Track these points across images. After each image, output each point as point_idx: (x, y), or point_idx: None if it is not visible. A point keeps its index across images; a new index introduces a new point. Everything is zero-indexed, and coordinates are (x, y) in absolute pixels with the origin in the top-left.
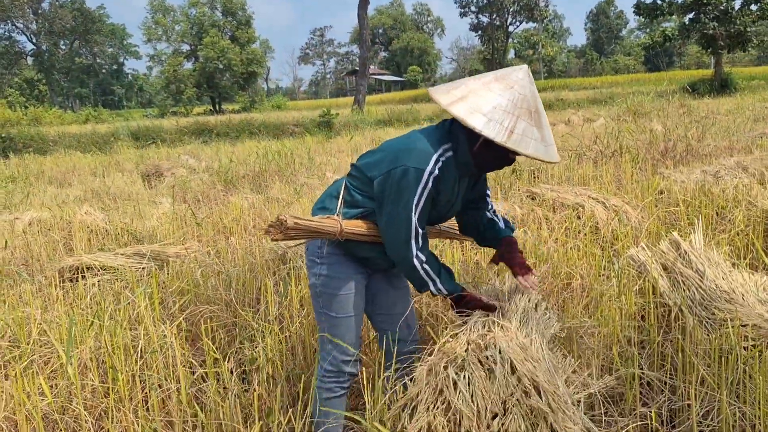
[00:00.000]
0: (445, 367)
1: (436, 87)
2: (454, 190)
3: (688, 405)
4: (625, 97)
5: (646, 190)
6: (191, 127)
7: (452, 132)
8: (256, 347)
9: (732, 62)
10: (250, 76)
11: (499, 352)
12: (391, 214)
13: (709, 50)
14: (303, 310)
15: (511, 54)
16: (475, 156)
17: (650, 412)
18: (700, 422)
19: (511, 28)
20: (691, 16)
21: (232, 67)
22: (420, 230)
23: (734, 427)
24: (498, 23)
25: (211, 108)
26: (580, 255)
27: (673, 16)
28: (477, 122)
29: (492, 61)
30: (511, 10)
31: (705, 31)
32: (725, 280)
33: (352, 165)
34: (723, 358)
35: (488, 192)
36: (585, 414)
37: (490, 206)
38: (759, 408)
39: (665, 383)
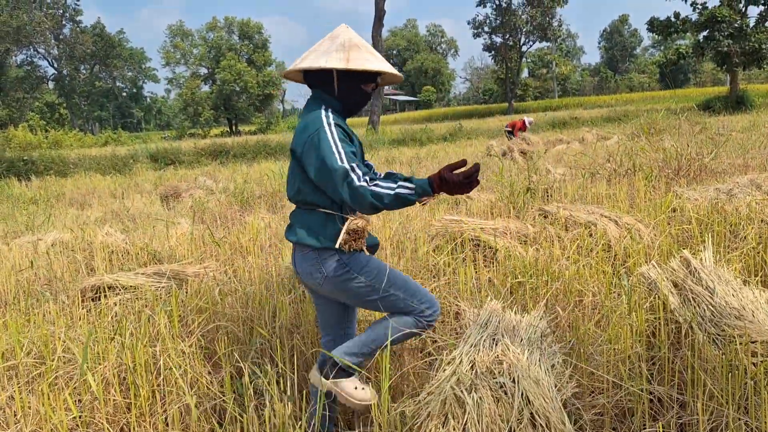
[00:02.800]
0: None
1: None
2: (355, 139)
3: (697, 420)
4: (639, 115)
5: (658, 208)
6: (208, 149)
7: (317, 98)
8: (269, 362)
9: (748, 79)
10: (266, 98)
11: (513, 381)
12: (326, 169)
13: (724, 67)
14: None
15: (525, 73)
16: (341, 99)
17: (659, 427)
18: None
19: (524, 48)
20: (705, 33)
21: (248, 89)
22: (358, 169)
23: None
24: (511, 43)
25: (228, 129)
26: (591, 272)
27: (687, 34)
28: (321, 62)
29: (506, 80)
30: (524, 30)
31: (719, 49)
32: (735, 297)
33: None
34: (730, 374)
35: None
36: (594, 430)
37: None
38: (765, 423)
39: (675, 399)
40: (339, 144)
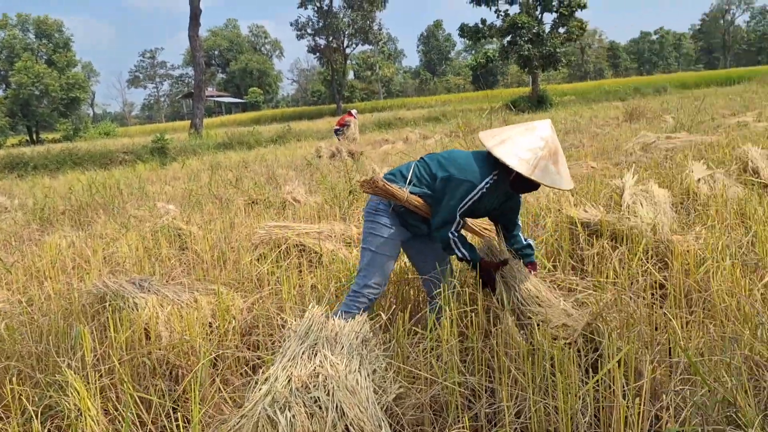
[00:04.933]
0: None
1: (485, 132)
2: (492, 203)
3: (504, 407)
4: (456, 115)
5: None
6: (3, 161)
7: (498, 163)
8: (69, 401)
9: (548, 80)
10: (71, 102)
11: (328, 394)
12: (445, 205)
13: (525, 69)
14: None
15: (350, 75)
16: (512, 184)
17: (465, 419)
18: (515, 421)
19: (348, 50)
20: (508, 38)
21: (50, 93)
22: (460, 221)
23: (544, 421)
24: (335, 45)
25: (28, 138)
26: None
27: (494, 39)
28: (512, 162)
29: (332, 81)
30: (347, 32)
31: (521, 53)
32: (533, 286)
33: (422, 158)
34: (532, 358)
35: (519, 219)
36: (414, 428)
37: (519, 228)
38: (563, 402)
39: (485, 388)
40: (469, 203)
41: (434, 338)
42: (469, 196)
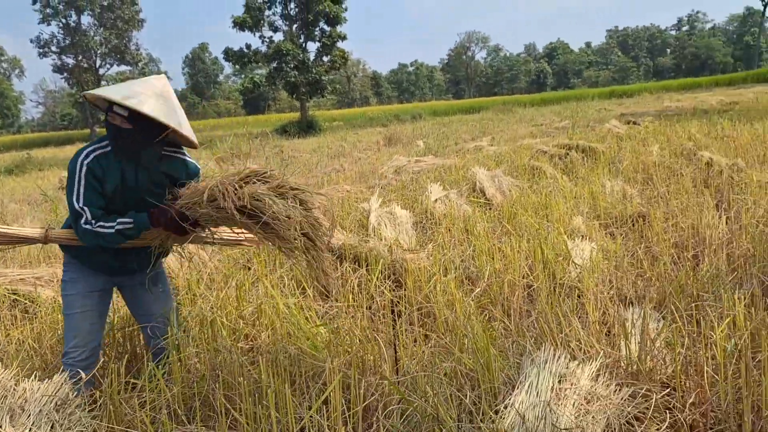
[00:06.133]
0: None
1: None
2: (125, 178)
3: None
4: (224, 140)
5: None
6: None
7: (110, 130)
8: None
9: (318, 106)
10: None
11: None
12: (68, 204)
13: (294, 96)
14: None
15: None
16: (116, 139)
17: None
18: None
19: (102, 71)
20: (275, 64)
21: None
22: (89, 211)
23: None
24: (86, 65)
25: None
26: None
27: (260, 64)
28: (101, 93)
29: (85, 104)
30: (99, 51)
31: (288, 79)
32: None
33: None
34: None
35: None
36: None
37: None
38: None
39: None
40: (83, 184)
41: (154, 388)
42: (77, 177)
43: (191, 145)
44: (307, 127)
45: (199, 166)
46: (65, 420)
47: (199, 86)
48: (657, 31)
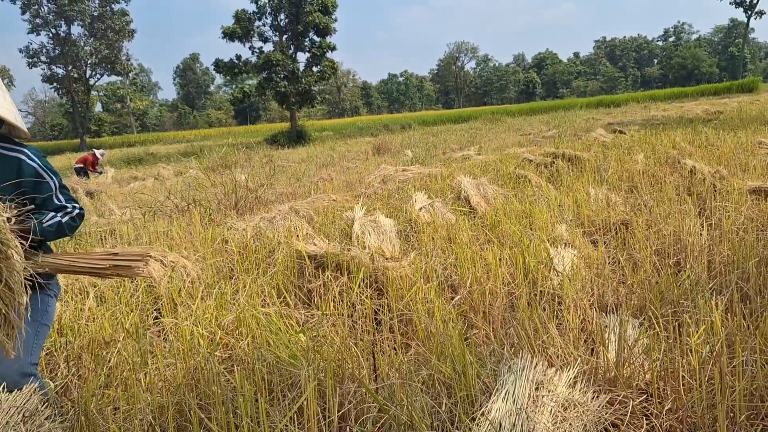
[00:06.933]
0: None
1: None
2: None
3: None
4: (215, 150)
5: (207, 242)
6: None
7: None
8: None
9: (309, 116)
10: None
11: None
12: None
13: (284, 106)
14: None
15: (98, 107)
16: None
17: None
18: None
19: (92, 81)
20: (265, 75)
21: None
22: None
23: None
24: (76, 75)
25: None
26: (120, 322)
27: (250, 74)
28: None
29: (75, 114)
30: (89, 62)
31: (278, 89)
32: None
33: None
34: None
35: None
36: None
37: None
38: None
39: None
40: None
41: (128, 399)
42: None
43: (24, 135)
44: (297, 137)
45: (39, 164)
46: (34, 428)
47: (190, 96)
48: (644, 41)
